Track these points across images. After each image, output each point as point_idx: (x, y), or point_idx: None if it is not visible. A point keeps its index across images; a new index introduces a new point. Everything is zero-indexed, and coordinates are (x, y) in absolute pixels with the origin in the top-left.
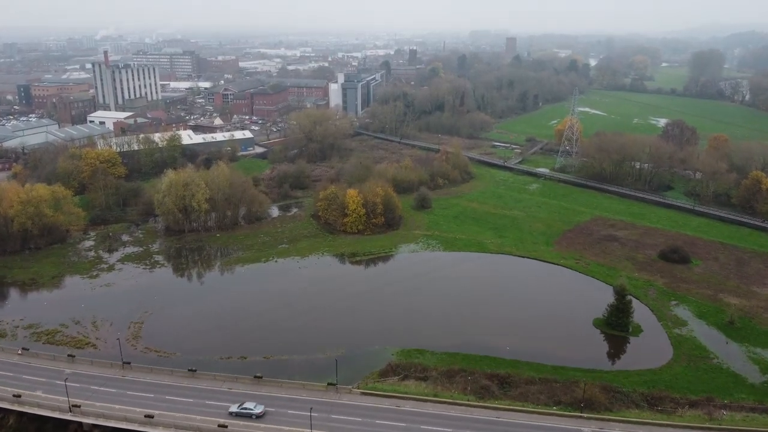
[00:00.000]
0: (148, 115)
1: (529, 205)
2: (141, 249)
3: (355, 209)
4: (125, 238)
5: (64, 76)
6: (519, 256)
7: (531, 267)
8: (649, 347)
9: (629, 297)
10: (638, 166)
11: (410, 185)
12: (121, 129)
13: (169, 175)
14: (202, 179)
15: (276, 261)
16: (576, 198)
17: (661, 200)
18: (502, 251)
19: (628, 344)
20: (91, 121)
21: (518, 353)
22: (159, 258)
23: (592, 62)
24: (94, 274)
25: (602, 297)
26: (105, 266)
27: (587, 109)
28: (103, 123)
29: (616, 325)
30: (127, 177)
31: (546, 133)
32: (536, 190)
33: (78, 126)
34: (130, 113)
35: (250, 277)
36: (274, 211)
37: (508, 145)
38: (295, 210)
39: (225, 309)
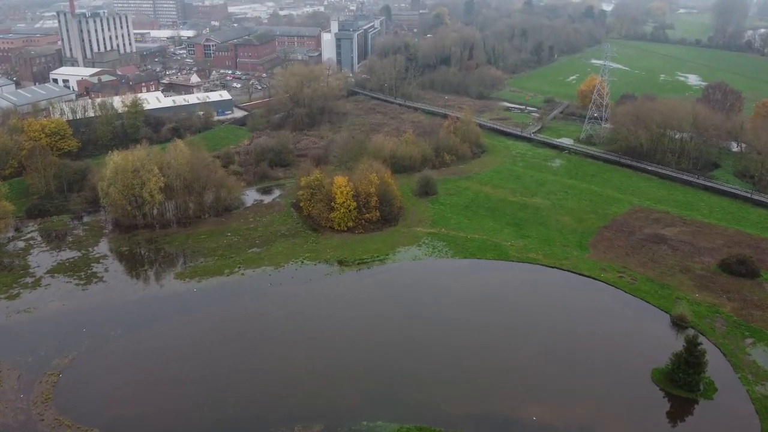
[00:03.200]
0: (118, 72)
1: (553, 190)
2: (79, 254)
3: (343, 202)
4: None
5: (38, 25)
6: (547, 266)
7: (563, 283)
8: (728, 418)
9: (702, 345)
10: (679, 137)
11: (412, 163)
12: (85, 89)
13: (114, 158)
14: (155, 163)
15: (242, 273)
16: (608, 179)
17: (709, 184)
18: (526, 258)
19: (699, 411)
20: (54, 80)
21: (553, 430)
22: (98, 268)
23: (606, 7)
24: (15, 292)
25: (658, 331)
26: (30, 280)
27: (607, 63)
28: (67, 81)
29: (684, 384)
30: (81, 152)
31: (565, 92)
32: (560, 168)
33: (34, 87)
34: (98, 69)
35: (205, 301)
36: (250, 197)
37: (524, 107)
38: (274, 195)
39: (166, 352)
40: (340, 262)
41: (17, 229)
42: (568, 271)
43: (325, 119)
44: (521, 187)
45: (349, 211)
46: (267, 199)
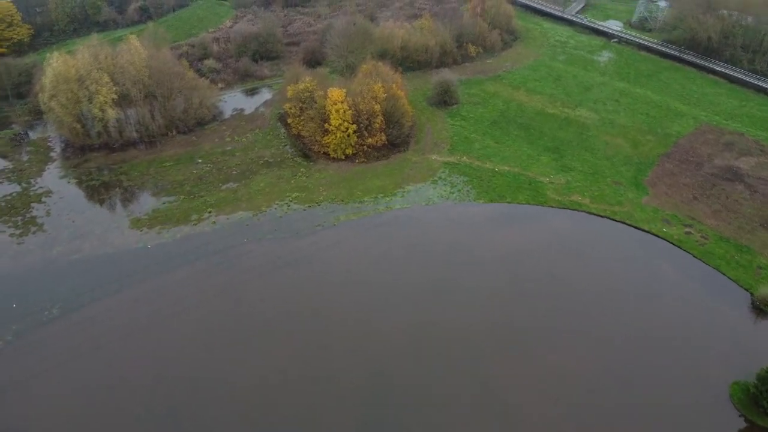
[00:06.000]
0: None
1: (602, 98)
2: (18, 188)
3: (340, 125)
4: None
5: None
6: (594, 214)
7: (615, 242)
8: None
9: None
10: (754, 25)
11: (428, 58)
12: None
13: (53, 63)
14: (106, 69)
15: (213, 222)
16: (667, 82)
17: None
18: (568, 203)
19: None
20: None
21: None
22: (38, 211)
23: None
24: None
25: (738, 321)
26: None
27: None
28: None
29: None
30: (35, 40)
31: None
32: (609, 64)
33: None
34: None
35: (162, 264)
36: (229, 104)
37: None
38: (258, 101)
39: (109, 343)
40: (335, 206)
41: None
42: (622, 222)
43: None
44: (562, 93)
45: (348, 135)
46: (249, 107)
